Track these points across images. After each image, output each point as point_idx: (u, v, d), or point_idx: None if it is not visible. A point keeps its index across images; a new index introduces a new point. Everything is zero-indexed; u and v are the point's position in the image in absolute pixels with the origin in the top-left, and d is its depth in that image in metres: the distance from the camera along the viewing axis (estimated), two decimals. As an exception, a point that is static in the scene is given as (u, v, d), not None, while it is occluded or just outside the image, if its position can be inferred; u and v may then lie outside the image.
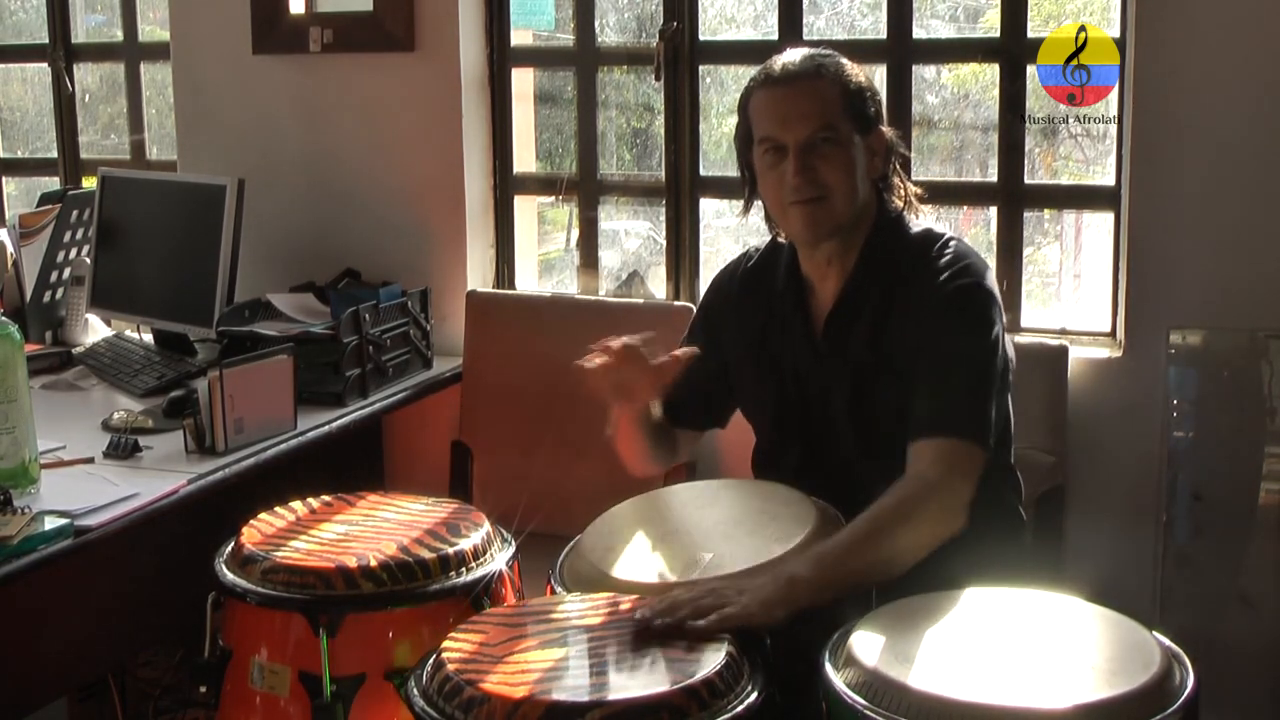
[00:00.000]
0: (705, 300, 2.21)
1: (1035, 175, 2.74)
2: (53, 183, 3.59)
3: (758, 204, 2.05)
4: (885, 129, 1.99)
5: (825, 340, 1.99)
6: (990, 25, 2.73)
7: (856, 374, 1.95)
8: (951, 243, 1.96)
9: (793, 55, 1.97)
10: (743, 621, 1.58)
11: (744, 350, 2.09)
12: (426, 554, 1.80)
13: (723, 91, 3.00)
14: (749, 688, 1.47)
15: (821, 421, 2.00)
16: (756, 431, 2.13)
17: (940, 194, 2.70)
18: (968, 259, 1.93)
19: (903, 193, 2.03)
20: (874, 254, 1.97)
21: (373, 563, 1.77)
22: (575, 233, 3.10)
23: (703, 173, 2.90)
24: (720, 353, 2.11)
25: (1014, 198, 2.68)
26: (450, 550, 1.81)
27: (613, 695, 1.41)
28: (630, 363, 1.90)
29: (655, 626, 1.56)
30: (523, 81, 3.08)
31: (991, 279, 1.93)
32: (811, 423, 2.01)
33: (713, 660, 1.47)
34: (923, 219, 2.04)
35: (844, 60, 1.97)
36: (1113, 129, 2.60)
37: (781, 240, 2.07)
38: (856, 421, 1.95)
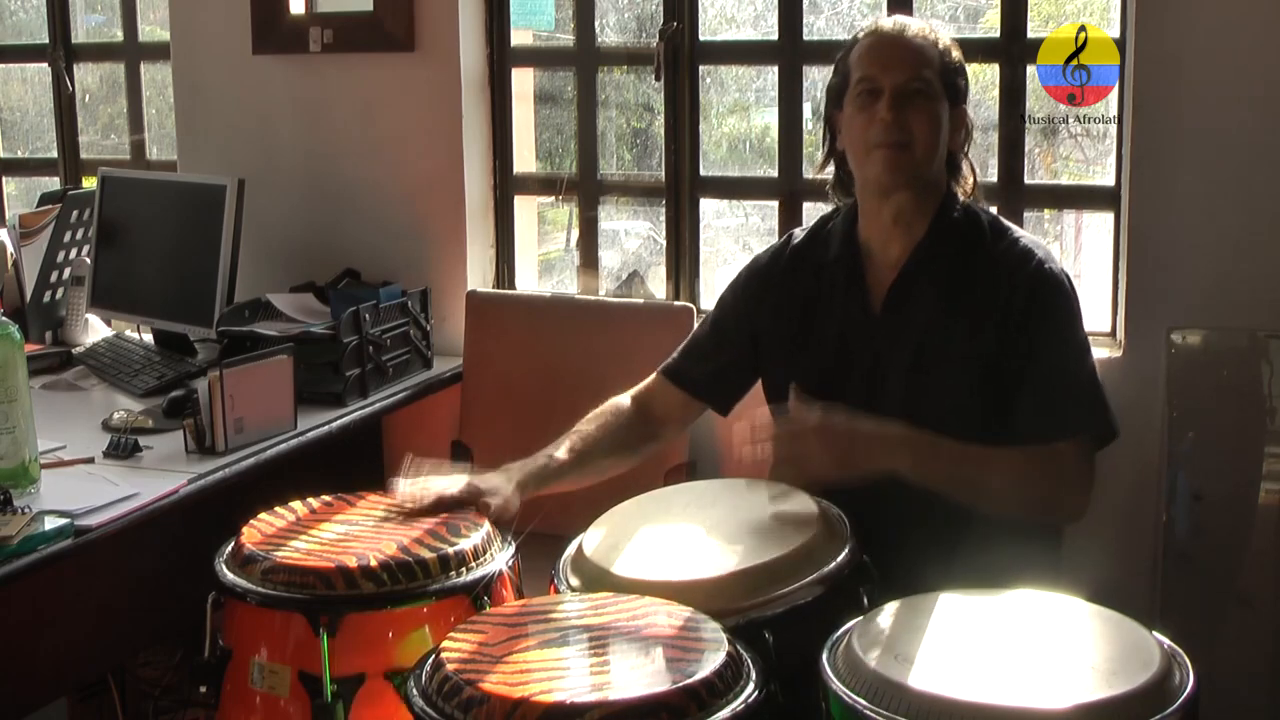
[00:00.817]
0: (738, 283, 2.19)
1: (1035, 175, 2.74)
2: (53, 183, 3.59)
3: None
4: (967, 110, 2.04)
5: (887, 305, 2.00)
6: (990, 25, 2.73)
7: (921, 340, 1.97)
8: (1025, 235, 2.02)
9: (902, 17, 2.07)
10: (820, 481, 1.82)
11: (784, 327, 2.09)
12: (426, 554, 1.80)
13: (723, 91, 3.00)
14: (749, 687, 1.47)
15: (868, 389, 1.99)
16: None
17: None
18: (1046, 249, 2.00)
19: (970, 182, 2.08)
20: (945, 224, 2.00)
21: (373, 562, 1.77)
22: (575, 233, 3.10)
23: (703, 173, 2.90)
24: (754, 335, 2.11)
25: (1014, 197, 2.68)
26: (450, 550, 1.81)
27: (612, 695, 1.41)
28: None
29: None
30: (523, 81, 3.08)
31: (1055, 258, 2.01)
32: (855, 392, 1.99)
33: (712, 660, 1.47)
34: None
35: (946, 36, 2.04)
36: (1113, 129, 2.60)
37: (837, 205, 2.10)
38: (909, 392, 1.96)
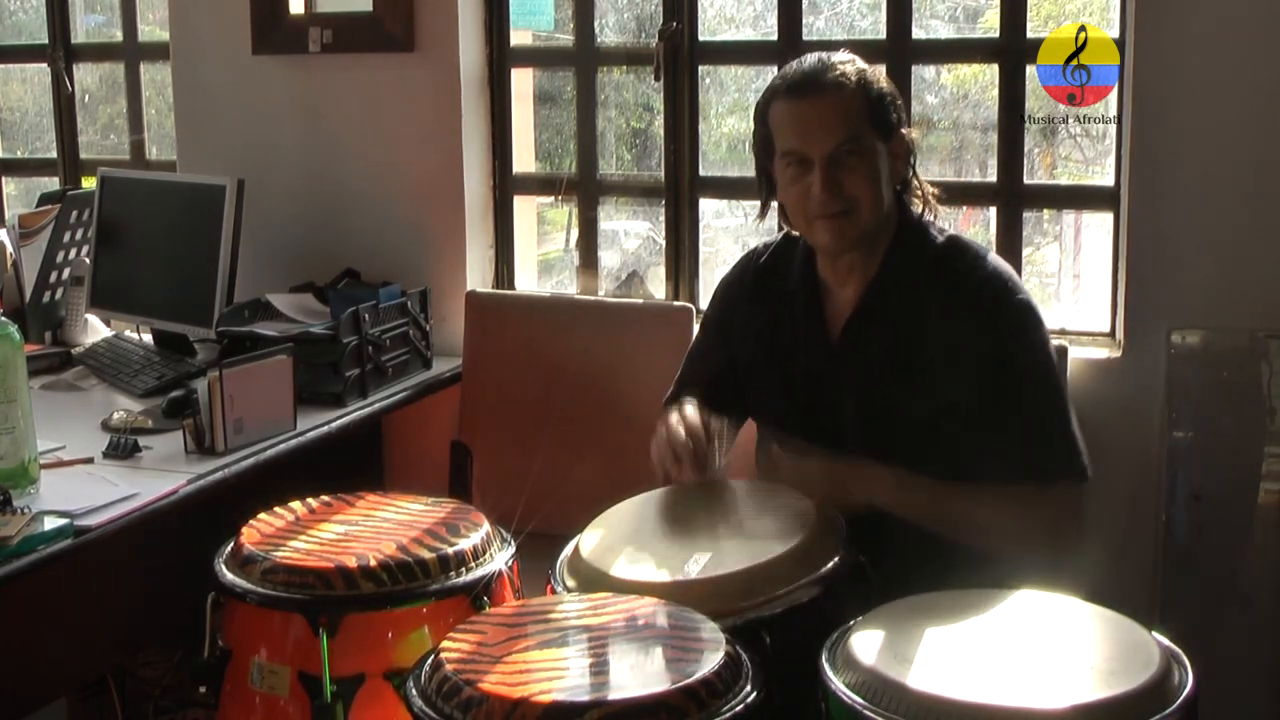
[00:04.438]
0: (716, 298, 2.20)
1: (1035, 175, 2.74)
2: (52, 183, 3.59)
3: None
4: (905, 131, 1.97)
5: (844, 342, 1.97)
6: (990, 25, 2.73)
7: (875, 378, 1.94)
8: (986, 257, 1.95)
9: (812, 62, 1.94)
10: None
11: (752, 350, 2.08)
12: (426, 554, 1.80)
13: (722, 91, 3.00)
14: (748, 687, 1.47)
15: (831, 425, 1.98)
16: (762, 432, 2.13)
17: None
18: (1008, 275, 1.93)
19: (920, 193, 2.02)
20: (898, 259, 1.96)
21: (372, 563, 1.77)
22: (575, 233, 3.10)
23: (702, 173, 2.90)
24: (731, 352, 2.11)
25: (1013, 198, 2.68)
26: (450, 550, 1.81)
27: (611, 695, 1.41)
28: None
29: None
30: (522, 81, 3.08)
31: (1019, 283, 1.94)
32: (820, 426, 1.99)
33: (712, 660, 1.47)
34: (942, 220, 2.04)
35: (864, 66, 1.95)
36: (1112, 129, 2.60)
37: (795, 234, 2.05)
38: (869, 426, 1.94)
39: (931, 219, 2.03)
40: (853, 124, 1.89)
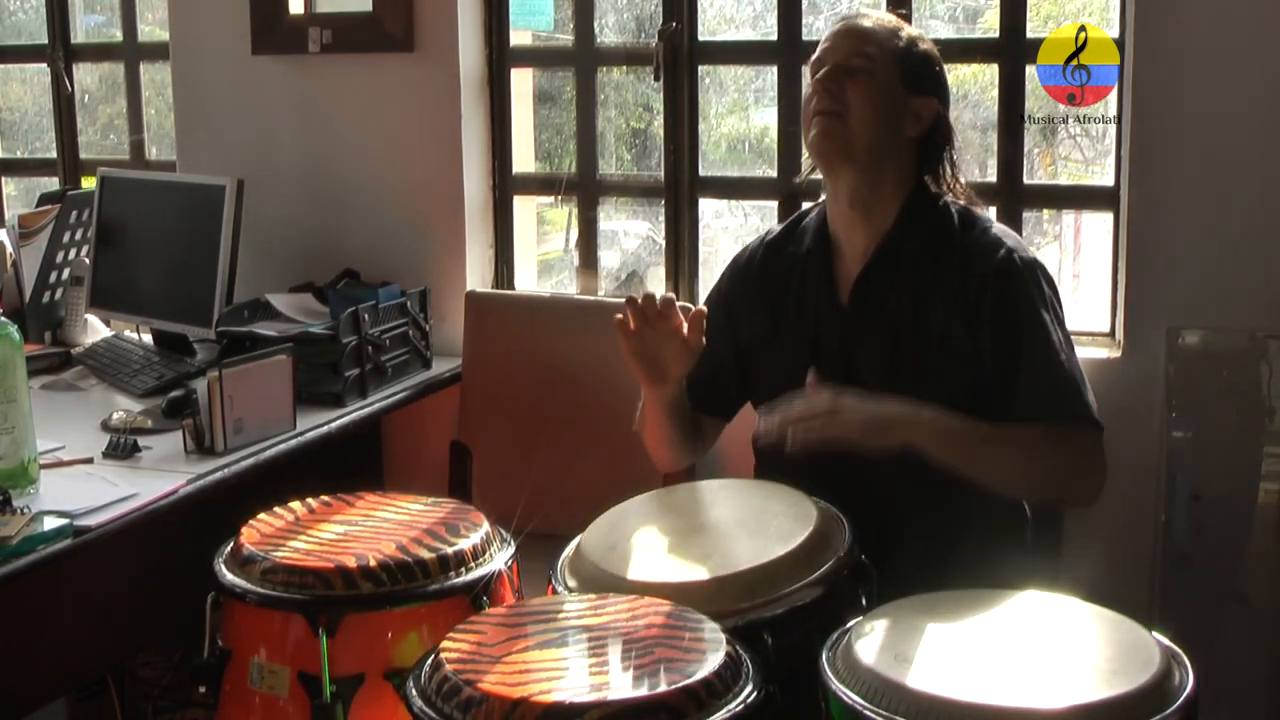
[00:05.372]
0: (720, 284, 2.20)
1: (1034, 175, 2.74)
2: (52, 183, 3.59)
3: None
4: (939, 105, 2.02)
5: (854, 298, 2.00)
6: (989, 25, 2.73)
7: (890, 335, 1.97)
8: (993, 223, 2.02)
9: (877, 12, 2.10)
10: (843, 439, 1.78)
11: (762, 323, 2.09)
12: (425, 554, 1.80)
13: (722, 92, 3.00)
14: (748, 688, 1.47)
15: (843, 383, 1.95)
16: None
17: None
18: (1016, 236, 2.01)
19: (951, 184, 2.06)
20: (912, 216, 2.00)
21: (372, 563, 1.77)
22: (574, 233, 3.10)
23: (702, 173, 2.90)
24: (736, 335, 2.11)
25: (1013, 198, 2.68)
26: (449, 550, 1.81)
27: (611, 695, 1.41)
28: (662, 320, 1.94)
29: (763, 439, 1.79)
30: (522, 82, 3.08)
31: (1028, 247, 2.01)
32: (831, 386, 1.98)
33: (712, 661, 1.47)
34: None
35: (918, 32, 2.06)
36: (1112, 129, 2.60)
37: (808, 207, 2.11)
38: (884, 383, 1.93)
39: (942, 196, 2.05)
40: (872, 49, 1.98)
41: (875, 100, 1.96)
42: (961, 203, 2.05)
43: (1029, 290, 1.93)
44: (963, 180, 2.07)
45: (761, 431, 1.84)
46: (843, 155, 1.97)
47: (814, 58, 2.02)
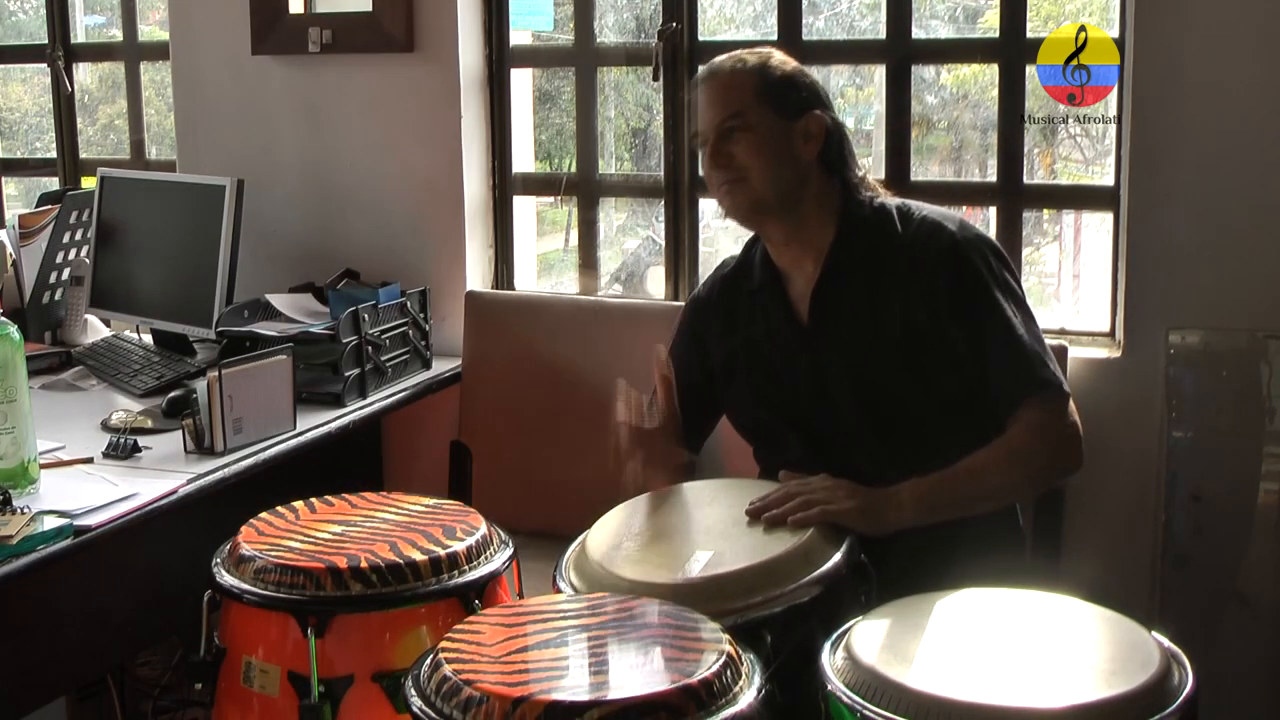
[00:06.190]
0: (684, 319, 2.25)
1: (1034, 175, 2.74)
2: (52, 183, 3.59)
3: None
4: (822, 113, 2.02)
5: (814, 315, 2.01)
6: (989, 25, 2.73)
7: (852, 349, 1.98)
8: (927, 209, 2.02)
9: (719, 57, 2.06)
10: (843, 520, 1.77)
11: (728, 353, 2.12)
12: (417, 556, 1.79)
13: (722, 91, 3.00)
14: (748, 687, 1.47)
15: (818, 404, 2.01)
16: (753, 439, 2.14)
17: (939, 194, 2.69)
18: (958, 217, 2.01)
19: (863, 178, 2.06)
20: (850, 225, 2.01)
21: (363, 564, 1.77)
22: (574, 233, 3.10)
23: (701, 173, 2.90)
24: (704, 366, 2.14)
25: (1013, 198, 2.68)
26: (442, 553, 1.81)
27: (611, 694, 1.41)
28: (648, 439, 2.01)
29: (764, 517, 1.78)
30: (522, 82, 3.08)
31: (971, 225, 2.01)
32: (806, 409, 2.02)
33: (711, 660, 1.47)
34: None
35: (773, 53, 2.05)
36: (1112, 129, 2.60)
37: (756, 237, 2.13)
38: (859, 390, 1.97)
39: (871, 196, 2.07)
40: (737, 101, 1.98)
41: (763, 150, 1.97)
42: (894, 200, 2.06)
43: (977, 268, 1.94)
44: (860, 169, 2.08)
45: (755, 507, 1.84)
46: (760, 212, 2.01)
47: (694, 129, 2.05)
